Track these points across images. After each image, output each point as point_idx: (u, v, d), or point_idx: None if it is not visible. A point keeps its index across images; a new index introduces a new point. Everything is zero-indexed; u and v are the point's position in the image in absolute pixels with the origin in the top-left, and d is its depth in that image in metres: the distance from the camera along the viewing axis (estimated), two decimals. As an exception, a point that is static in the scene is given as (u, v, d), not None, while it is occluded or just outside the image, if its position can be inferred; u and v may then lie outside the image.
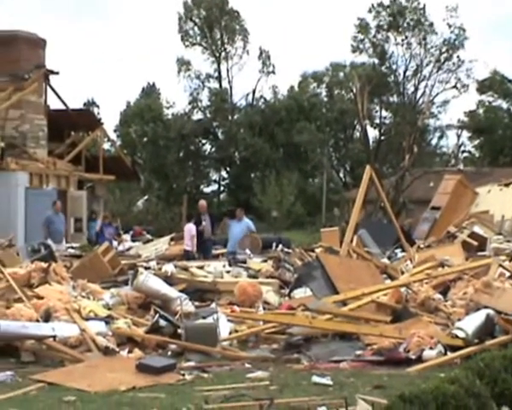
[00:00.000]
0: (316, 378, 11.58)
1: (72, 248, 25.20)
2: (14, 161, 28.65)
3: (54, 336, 13.69)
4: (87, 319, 14.93)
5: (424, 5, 64.55)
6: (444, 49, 64.14)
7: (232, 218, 28.03)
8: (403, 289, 16.64)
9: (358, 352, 13.46)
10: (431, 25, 64.35)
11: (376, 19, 65.33)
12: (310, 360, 13.23)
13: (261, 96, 70.42)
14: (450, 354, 12.74)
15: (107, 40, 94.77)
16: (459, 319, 14.43)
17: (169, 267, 20.65)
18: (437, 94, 65.42)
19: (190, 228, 25.73)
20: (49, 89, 32.02)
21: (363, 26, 65.43)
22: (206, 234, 25.60)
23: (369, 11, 65.37)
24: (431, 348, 12.97)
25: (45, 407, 10.14)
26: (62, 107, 32.82)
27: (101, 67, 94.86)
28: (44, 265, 18.66)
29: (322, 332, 14.64)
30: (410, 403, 7.07)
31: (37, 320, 14.37)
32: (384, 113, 68.07)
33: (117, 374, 11.99)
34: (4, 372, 12.27)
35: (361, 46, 65.94)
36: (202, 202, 27.99)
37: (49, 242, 23.63)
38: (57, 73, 32.05)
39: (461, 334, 13.30)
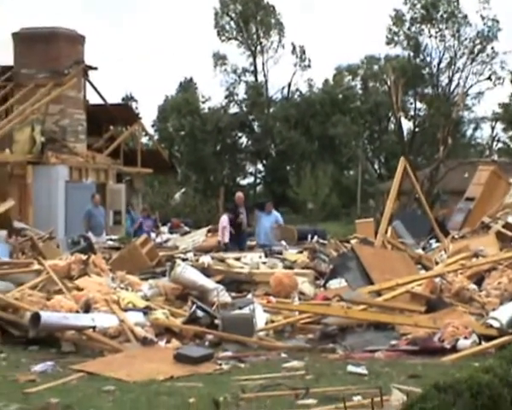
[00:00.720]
0: (351, 368, 11.56)
1: (112, 240, 25.30)
2: (55, 155, 28.79)
3: (93, 327, 13.76)
4: (126, 309, 14.99)
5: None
6: (477, 41, 63.74)
7: (261, 210, 28.00)
8: (437, 280, 16.55)
9: (393, 342, 13.43)
10: (464, 17, 63.99)
11: (411, 11, 65.04)
12: (345, 349, 13.21)
13: (296, 90, 70.42)
14: (484, 344, 12.68)
15: (145, 36, 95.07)
16: (493, 309, 14.38)
17: (206, 259, 20.69)
18: (471, 86, 65.13)
19: (222, 220, 25.79)
20: (88, 84, 32.18)
21: (398, 18, 65.12)
22: (243, 226, 25.62)
23: (404, 3, 65.17)
24: (465, 338, 12.90)
25: (85, 396, 10.19)
26: (101, 101, 32.98)
27: (139, 62, 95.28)
28: (84, 257, 18.76)
29: (357, 322, 14.60)
30: (444, 392, 7.02)
31: (77, 311, 14.46)
32: (418, 105, 67.78)
33: (155, 364, 12.03)
34: (45, 362, 12.35)
35: (395, 38, 65.66)
36: (239, 195, 27.95)
37: (90, 234, 23.77)
38: (96, 69, 32.22)
39: (495, 324, 13.24)
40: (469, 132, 69.87)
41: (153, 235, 27.59)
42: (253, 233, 27.49)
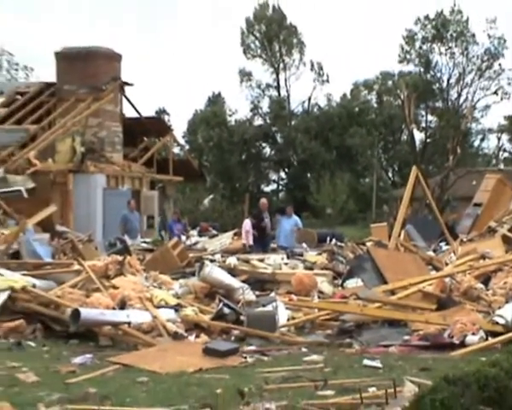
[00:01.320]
0: (366, 361, 11.53)
1: (145, 242, 25.34)
2: (93, 164, 28.90)
3: (128, 323, 13.80)
4: (158, 306, 15.03)
5: (467, 17, 64.21)
6: (485, 59, 63.61)
7: (282, 214, 27.99)
8: (447, 280, 16.50)
9: (406, 337, 13.40)
10: (472, 36, 63.90)
11: (422, 31, 64.99)
12: (361, 344, 13.19)
13: (316, 103, 70.44)
14: (491, 340, 12.60)
15: (177, 54, 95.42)
16: (499, 307, 14.29)
17: (232, 260, 20.71)
18: (478, 100, 65.00)
19: (245, 224, 25.84)
20: (124, 99, 32.27)
21: (410, 38, 65.11)
22: (267, 230, 25.65)
23: (416, 23, 65.17)
24: (473, 334, 12.85)
25: (121, 386, 10.22)
26: (136, 115, 33.07)
27: (171, 78, 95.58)
28: (120, 258, 18.82)
29: (372, 319, 14.58)
30: (453, 384, 7.00)
31: (114, 308, 14.50)
32: (429, 117, 67.69)
33: (185, 357, 12.05)
34: (84, 355, 12.40)
35: (408, 56, 65.67)
36: (263, 201, 27.98)
37: (126, 237, 23.84)
38: (131, 85, 32.32)
39: (501, 321, 13.18)
40: (477, 143, 69.67)
41: (183, 238, 27.63)
42: (275, 236, 27.46)
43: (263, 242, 25.10)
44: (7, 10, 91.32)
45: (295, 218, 26.79)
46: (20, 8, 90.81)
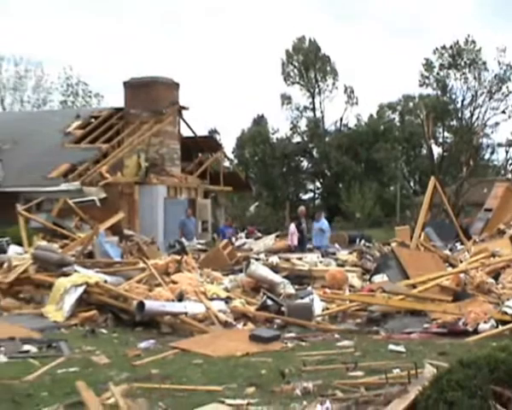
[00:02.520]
0: (391, 346, 11.48)
1: (200, 244, 25.39)
2: (156, 177, 29.05)
3: (185, 313, 13.86)
4: (211, 299, 15.08)
5: (480, 47, 63.87)
6: (494, 83, 63.16)
7: (313, 219, 27.89)
8: (462, 275, 16.37)
9: (426, 325, 13.31)
10: (484, 63, 63.44)
11: (439, 59, 64.73)
12: (386, 331, 13.13)
13: (347, 123, 70.22)
14: (500, 328, 12.50)
15: (227, 81, 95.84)
16: (508, 299, 14.20)
17: (274, 259, 20.72)
18: (489, 118, 64.37)
19: (290, 227, 25.88)
20: (181, 120, 32.40)
21: (428, 65, 64.86)
22: (304, 232, 25.64)
23: (434, 52, 64.90)
24: (485, 323, 12.76)
25: (179, 368, 10.25)
26: (191, 134, 33.18)
27: (222, 102, 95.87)
28: (178, 257, 18.91)
29: (396, 310, 14.52)
30: (467, 367, 6.94)
31: (173, 300, 14.57)
32: (446, 134, 67.07)
33: (234, 343, 12.05)
34: (148, 341, 12.49)
35: (427, 81, 65.37)
36: (302, 208, 28.10)
37: (183, 240, 23.93)
38: (187, 108, 32.43)
39: (510, 311, 13.11)
40: (487, 156, 68.81)
41: (233, 240, 27.70)
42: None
43: (301, 243, 25.10)
44: (80, 47, 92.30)
45: (322, 221, 26.64)
46: (90, 44, 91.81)
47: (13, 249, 21.23)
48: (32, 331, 13.23)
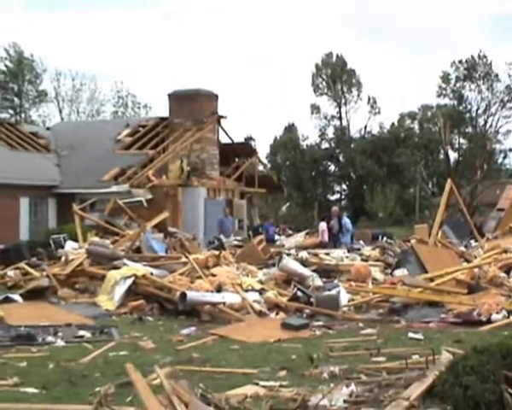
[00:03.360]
0: (411, 334, 11.44)
1: (236, 240, 25.42)
2: (197, 180, 29.16)
3: (223, 303, 13.90)
4: (246, 290, 15.10)
5: (491, 61, 63.42)
6: (506, 93, 62.70)
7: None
8: (476, 270, 16.23)
9: (443, 315, 13.22)
10: (496, 75, 63.03)
11: (456, 72, 64.34)
12: (406, 321, 13.06)
13: (371, 130, 69.89)
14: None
15: (261, 93, 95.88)
16: (518, 292, 14.06)
17: (304, 254, 20.66)
18: (501, 126, 63.97)
19: (321, 225, 25.80)
20: (220, 128, 32.48)
21: (445, 77, 64.52)
22: (334, 230, 25.39)
23: (451, 66, 64.58)
24: (497, 313, 12.64)
25: (218, 352, 10.29)
26: (229, 141, 33.27)
27: (256, 111, 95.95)
28: (217, 252, 18.95)
29: (415, 301, 14.43)
30: (481, 354, 6.89)
31: (212, 291, 14.61)
32: (461, 140, 66.54)
33: (267, 330, 12.07)
34: (190, 328, 12.54)
35: (444, 92, 65.00)
36: (335, 209, 28.20)
37: (221, 236, 23.97)
38: (226, 117, 32.50)
39: (520, 303, 12.96)
40: (500, 160, 68.06)
41: (276, 237, 27.63)
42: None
43: (332, 239, 24.88)
44: (129, 62, 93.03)
45: (345, 221, 26.41)
46: (139, 60, 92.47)
47: (69, 245, 21.47)
48: (86, 318, 13.36)
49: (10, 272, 19.09)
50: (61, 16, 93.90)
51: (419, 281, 15.54)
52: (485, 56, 64.03)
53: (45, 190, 29.07)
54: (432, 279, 15.69)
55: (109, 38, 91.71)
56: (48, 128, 39.83)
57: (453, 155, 65.88)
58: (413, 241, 21.88)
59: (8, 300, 15.11)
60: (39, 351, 10.51)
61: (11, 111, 64.08)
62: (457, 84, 64.78)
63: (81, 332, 11.99)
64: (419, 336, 11.33)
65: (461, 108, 64.76)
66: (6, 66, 63.23)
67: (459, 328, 12.13)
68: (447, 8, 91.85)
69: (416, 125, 70.52)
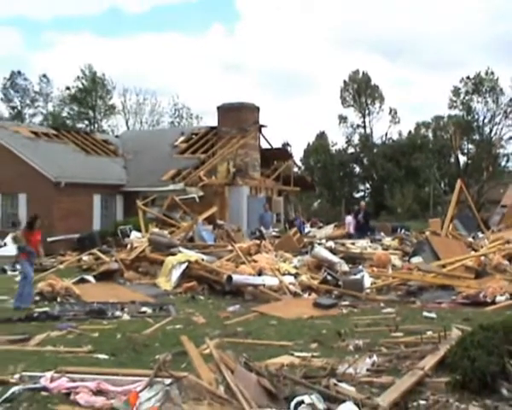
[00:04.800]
0: (425, 313, 11.35)
1: (275, 231, 25.38)
2: (241, 180, 29.17)
3: (263, 285, 13.94)
4: (283, 274, 15.12)
5: (497, 77, 62.43)
6: (509, 105, 61.72)
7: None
8: (482, 258, 16.02)
9: (453, 297, 13.09)
10: (501, 90, 62.08)
11: (465, 86, 63.45)
12: (421, 301, 12.95)
13: (391, 137, 69.20)
14: (513, 300, 12.22)
15: (296, 105, 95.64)
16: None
17: (332, 243, 20.57)
18: (505, 133, 63.01)
19: (347, 218, 25.60)
20: (261, 136, 32.44)
21: (456, 91, 63.70)
22: (360, 223, 25.03)
23: (460, 81, 63.77)
24: (501, 296, 12.49)
25: (259, 327, 10.32)
26: (269, 146, 33.22)
27: (292, 120, 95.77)
28: (258, 242, 18.99)
29: (429, 284, 14.30)
30: (486, 330, 6.83)
31: (254, 275, 14.65)
32: (470, 146, 65.53)
33: (301, 308, 12.06)
34: (235, 306, 12.61)
35: (454, 104, 64.21)
36: (362, 203, 28.01)
37: (262, 228, 23.96)
38: (266, 126, 32.37)
39: (521, 287, 12.75)
40: (503, 163, 66.77)
41: (307, 229, 27.51)
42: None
43: (359, 231, 24.52)
44: (185, 79, 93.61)
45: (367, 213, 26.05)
46: (193, 76, 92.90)
47: (134, 234, 21.72)
48: (148, 297, 13.51)
49: (85, 257, 19.41)
50: (127, 40, 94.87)
51: (432, 267, 15.40)
52: (491, 73, 63.16)
53: (114, 189, 29.39)
54: (444, 266, 15.54)
55: (167, 57, 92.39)
56: (116, 136, 40.23)
57: (462, 159, 65.16)
58: (427, 233, 21.60)
59: (83, 280, 15.37)
60: (109, 324, 10.66)
61: (86, 122, 65.02)
62: (466, 98, 63.88)
63: (143, 308, 12.13)
64: (432, 314, 11.22)
65: (469, 118, 63.86)
66: (82, 84, 64.26)
67: (467, 308, 11.99)
68: (458, 31, 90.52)
69: (430, 133, 69.66)
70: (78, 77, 64.16)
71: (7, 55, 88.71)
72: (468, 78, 63.96)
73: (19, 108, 65.86)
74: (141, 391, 6.05)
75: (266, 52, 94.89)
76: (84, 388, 6.37)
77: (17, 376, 6.94)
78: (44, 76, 66.44)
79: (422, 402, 6.12)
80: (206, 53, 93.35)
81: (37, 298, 13.20)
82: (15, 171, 27.21)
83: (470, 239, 20.96)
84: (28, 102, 65.94)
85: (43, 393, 6.40)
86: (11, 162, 27.33)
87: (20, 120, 60.59)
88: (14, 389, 6.42)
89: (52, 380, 6.58)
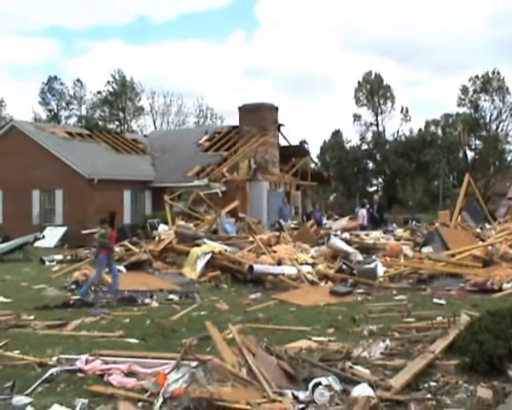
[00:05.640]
0: (435, 300, 11.29)
1: (293, 224, 25.33)
2: (261, 175, 29.17)
3: (283, 274, 13.92)
4: (301, 264, 15.07)
5: (503, 77, 61.76)
6: (515, 103, 61.26)
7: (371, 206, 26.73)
8: (489, 247, 15.82)
9: (462, 284, 12.98)
10: (507, 89, 61.39)
11: (473, 85, 62.79)
12: (432, 289, 12.85)
13: (402, 134, 68.65)
14: (520, 287, 12.08)
15: (314, 104, 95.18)
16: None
17: (347, 235, 20.47)
18: (510, 130, 62.36)
19: (361, 211, 25.42)
20: (280, 134, 32.37)
21: (464, 90, 63.08)
22: (374, 214, 24.77)
23: (469, 80, 63.14)
24: (507, 283, 12.36)
25: (278, 313, 10.33)
26: (287, 144, 33.15)
27: (309, 120, 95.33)
28: (277, 233, 18.95)
29: (439, 273, 14.18)
30: (493, 316, 6.78)
31: (274, 264, 14.64)
32: (477, 142, 64.81)
33: (318, 296, 12.04)
34: (256, 293, 12.63)
35: (463, 102, 63.55)
36: (376, 196, 27.78)
37: (281, 221, 23.93)
38: (284, 125, 32.34)
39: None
40: (509, 158, 66.03)
41: (324, 221, 27.29)
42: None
43: (372, 222, 24.33)
44: (209, 81, 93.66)
45: (381, 206, 25.81)
46: (216, 79, 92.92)
47: (161, 227, 21.80)
48: (174, 285, 13.57)
49: (116, 249, 19.52)
50: (154, 47, 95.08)
51: (442, 256, 15.26)
52: (498, 73, 62.49)
53: (143, 184, 29.55)
54: (453, 255, 15.40)
55: (192, 62, 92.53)
56: (145, 136, 40.41)
57: (470, 154, 64.56)
58: (437, 224, 21.40)
59: (115, 270, 15.46)
60: (139, 310, 10.73)
61: (117, 123, 65.47)
62: (474, 96, 63.24)
63: (171, 296, 12.18)
64: (442, 301, 11.14)
65: (477, 115, 63.22)
66: (113, 87, 64.75)
67: (475, 295, 11.88)
68: (466, 34, 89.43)
69: (439, 130, 69.05)
70: (109, 81, 64.71)
71: (45, 61, 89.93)
72: (476, 77, 63.37)
73: (55, 110, 66.56)
74: (169, 373, 6.09)
75: (284, 56, 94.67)
76: (116, 369, 6.43)
77: (55, 358, 7.03)
78: (78, 81, 67.11)
79: (433, 384, 6.09)
80: (229, 57, 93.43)
81: (73, 287, 13.32)
82: (52, 169, 27.51)
83: (478, 230, 20.73)
84: (64, 104, 66.61)
85: (79, 374, 6.47)
86: (48, 161, 27.63)
87: (57, 121, 61.21)
88: (53, 370, 6.50)
89: (87, 362, 6.65)
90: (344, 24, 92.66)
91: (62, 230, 26.70)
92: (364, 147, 68.75)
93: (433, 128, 69.13)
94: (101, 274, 12.66)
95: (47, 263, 18.87)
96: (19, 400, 5.69)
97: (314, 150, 72.94)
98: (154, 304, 11.43)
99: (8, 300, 11.87)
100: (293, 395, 5.64)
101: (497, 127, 62.99)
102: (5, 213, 29.08)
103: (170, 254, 17.14)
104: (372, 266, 14.41)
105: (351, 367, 6.31)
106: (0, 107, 67.01)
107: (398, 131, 68.47)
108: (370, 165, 69.50)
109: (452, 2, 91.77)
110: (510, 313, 6.80)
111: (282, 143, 32.58)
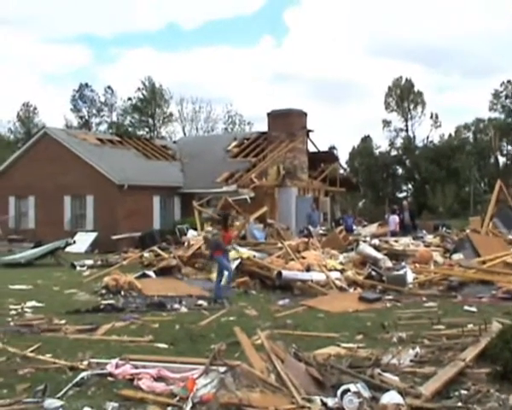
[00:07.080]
0: (466, 307, 11.16)
1: (322, 230, 25.24)
2: (290, 181, 29.15)
3: (311, 280, 13.88)
4: (330, 270, 15.01)
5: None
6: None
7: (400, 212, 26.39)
8: (522, 254, 15.57)
9: (493, 292, 12.81)
10: (540, 95, 60.79)
11: (505, 90, 62.01)
12: (462, 296, 12.70)
13: (432, 140, 68.02)
14: (553, 295, 11.84)
15: (341, 113, 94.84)
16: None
17: (376, 241, 20.30)
18: (543, 134, 61.51)
19: (392, 217, 25.15)
20: (308, 140, 32.31)
21: (496, 95, 62.39)
22: (406, 221, 24.47)
23: (501, 85, 62.44)
24: (541, 291, 12.12)
25: (307, 319, 10.30)
26: (316, 150, 33.08)
27: (338, 125, 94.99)
28: (306, 239, 18.90)
29: (470, 280, 14.00)
30: (526, 324, 6.64)
31: (302, 271, 14.61)
32: (509, 147, 64.03)
33: (347, 302, 11.98)
34: (285, 300, 12.62)
35: (495, 107, 62.88)
36: (404, 202, 27.46)
37: (310, 227, 23.85)
38: (313, 131, 32.24)
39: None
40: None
41: (354, 227, 27.04)
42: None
43: (403, 229, 24.05)
44: (238, 88, 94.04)
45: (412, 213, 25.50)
46: (245, 85, 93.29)
47: (190, 233, 21.94)
48: (203, 291, 13.63)
49: (146, 254, 19.70)
50: (183, 53, 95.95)
51: (473, 263, 15.08)
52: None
53: (172, 190, 29.78)
54: (484, 262, 15.20)
55: (221, 68, 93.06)
56: (174, 142, 40.73)
57: (502, 160, 63.69)
58: (468, 231, 21.12)
59: (144, 275, 15.61)
60: (168, 315, 10.80)
61: (146, 129, 66.18)
62: (506, 100, 62.41)
63: (200, 301, 12.24)
64: (473, 308, 11.00)
65: (509, 120, 62.34)
66: (143, 94, 65.51)
67: (507, 302, 11.71)
68: (497, 37, 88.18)
69: (470, 135, 68.26)
70: (139, 88, 65.50)
71: (77, 69, 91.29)
72: (508, 82, 62.58)
73: (86, 117, 67.60)
74: (197, 378, 6.12)
75: (313, 61, 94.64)
76: (145, 374, 6.48)
77: (85, 362, 7.11)
78: (109, 88, 68.13)
79: (464, 392, 6.00)
80: (257, 64, 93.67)
81: (103, 291, 13.47)
82: (83, 175, 27.92)
83: (510, 236, 20.39)
84: (95, 111, 67.63)
85: (109, 378, 6.53)
86: (80, 167, 28.04)
87: (88, 128, 62.10)
88: (83, 374, 6.58)
89: (117, 367, 6.72)
90: (373, 29, 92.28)
91: (93, 235, 27.05)
92: (394, 153, 68.29)
93: (464, 133, 68.41)
94: (231, 269, 13.17)
95: (78, 268, 19.13)
96: (51, 403, 5.78)
97: (343, 156, 72.72)
98: (183, 309, 11.50)
99: (41, 304, 12.05)
100: (321, 401, 5.61)
101: (530, 132, 62.14)
102: (37, 219, 29.58)
103: (199, 259, 17.22)
104: (401, 272, 14.29)
105: (380, 374, 6.26)
106: (33, 114, 68.34)
107: (427, 137, 67.96)
108: (400, 171, 69.01)
109: (482, 5, 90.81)
110: (543, 322, 6.69)
111: (311, 148, 32.52)
